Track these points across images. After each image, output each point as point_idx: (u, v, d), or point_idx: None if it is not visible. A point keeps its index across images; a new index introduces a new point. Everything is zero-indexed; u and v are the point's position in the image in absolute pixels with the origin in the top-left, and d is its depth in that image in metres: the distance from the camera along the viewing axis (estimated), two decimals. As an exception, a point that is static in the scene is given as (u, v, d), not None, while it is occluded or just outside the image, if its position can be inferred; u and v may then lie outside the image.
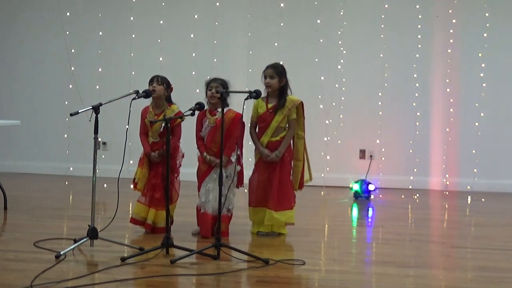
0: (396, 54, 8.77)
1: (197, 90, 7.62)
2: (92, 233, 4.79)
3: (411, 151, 8.71)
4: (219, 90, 5.23)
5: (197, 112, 5.29)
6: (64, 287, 3.97)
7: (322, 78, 8.71)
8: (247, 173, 5.73)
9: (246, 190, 5.79)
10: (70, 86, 8.92)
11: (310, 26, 8.76)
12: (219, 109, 5.40)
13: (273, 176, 5.55)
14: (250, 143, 5.71)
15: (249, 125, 5.68)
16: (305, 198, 6.98)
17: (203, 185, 5.52)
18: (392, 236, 5.86)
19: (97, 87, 8.79)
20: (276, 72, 5.55)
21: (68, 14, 9.04)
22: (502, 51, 8.72)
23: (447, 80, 8.69)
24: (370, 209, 7.39)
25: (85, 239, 4.80)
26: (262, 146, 5.57)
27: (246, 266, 4.59)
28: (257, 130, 5.67)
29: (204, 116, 5.53)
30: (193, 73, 8.51)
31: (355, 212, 7.32)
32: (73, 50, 9.05)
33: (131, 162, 5.81)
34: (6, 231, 5.81)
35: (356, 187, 7.91)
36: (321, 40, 8.70)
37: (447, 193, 8.51)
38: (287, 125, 5.61)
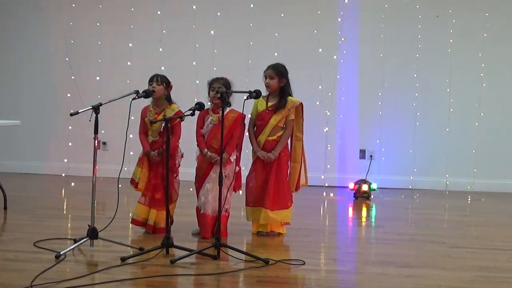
0: (396, 54, 8.76)
1: (197, 90, 7.61)
2: (92, 233, 4.79)
3: (411, 151, 8.70)
4: (219, 90, 5.24)
5: (197, 112, 5.28)
6: (64, 287, 3.98)
7: (322, 78, 8.70)
8: (245, 173, 5.73)
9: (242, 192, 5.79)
10: (70, 86, 8.92)
11: (310, 26, 8.74)
12: None
13: (270, 176, 5.54)
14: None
15: (248, 123, 5.66)
16: (305, 198, 6.99)
17: (203, 185, 5.52)
18: (392, 236, 5.85)
19: (97, 87, 8.79)
20: (276, 72, 5.54)
21: (68, 14, 9.03)
22: (502, 51, 8.72)
23: (447, 80, 8.69)
24: (370, 209, 7.39)
25: (85, 239, 4.81)
26: (258, 146, 5.57)
27: (246, 266, 4.59)
28: (255, 129, 5.67)
29: (206, 114, 5.53)
30: (193, 72, 8.50)
31: (355, 212, 7.31)
32: (72, 50, 9.05)
33: (131, 162, 5.80)
34: (6, 231, 5.81)
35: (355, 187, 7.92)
36: (321, 41, 8.69)
37: (447, 193, 8.51)
38: (284, 125, 5.61)
